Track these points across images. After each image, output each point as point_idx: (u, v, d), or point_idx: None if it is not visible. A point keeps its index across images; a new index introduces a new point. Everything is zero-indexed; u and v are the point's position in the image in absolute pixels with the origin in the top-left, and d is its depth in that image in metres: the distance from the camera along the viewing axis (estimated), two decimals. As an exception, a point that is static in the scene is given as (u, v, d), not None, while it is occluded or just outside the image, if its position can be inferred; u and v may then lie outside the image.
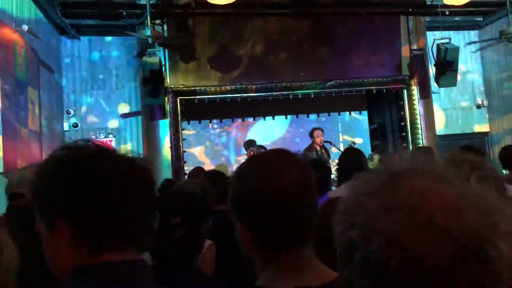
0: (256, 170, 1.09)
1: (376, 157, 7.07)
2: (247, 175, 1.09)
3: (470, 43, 8.10)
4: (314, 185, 1.10)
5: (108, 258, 0.88)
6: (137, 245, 0.94)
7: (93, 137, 7.60)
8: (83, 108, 7.66)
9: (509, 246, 0.53)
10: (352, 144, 7.74)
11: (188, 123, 8.92)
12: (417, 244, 0.52)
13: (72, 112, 7.58)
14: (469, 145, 3.65)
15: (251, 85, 7.67)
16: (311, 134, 7.56)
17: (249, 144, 8.05)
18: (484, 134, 8.82)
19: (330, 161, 6.93)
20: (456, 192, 0.56)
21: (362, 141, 9.67)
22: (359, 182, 0.61)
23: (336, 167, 4.46)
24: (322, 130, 7.53)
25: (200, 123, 9.48)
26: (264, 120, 9.70)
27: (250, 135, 9.51)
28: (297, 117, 9.79)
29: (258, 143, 7.97)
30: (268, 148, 8.33)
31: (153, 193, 0.98)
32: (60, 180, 0.89)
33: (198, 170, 4.63)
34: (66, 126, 7.54)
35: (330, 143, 7.63)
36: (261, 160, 1.15)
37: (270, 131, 9.81)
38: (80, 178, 0.89)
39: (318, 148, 7.42)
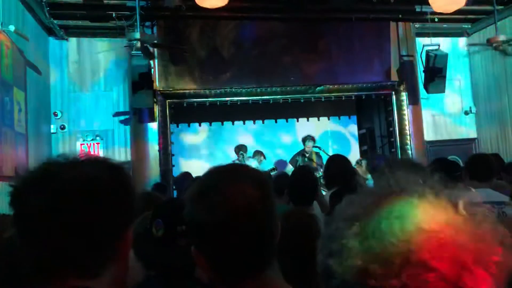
0: (212, 189, 1.00)
1: (364, 162, 7.10)
2: (201, 195, 1.00)
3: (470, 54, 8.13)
4: (272, 203, 1.02)
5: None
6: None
7: (81, 139, 7.52)
8: (71, 110, 7.56)
9: (490, 274, 0.51)
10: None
11: (177, 126, 8.87)
12: (390, 276, 0.51)
13: (59, 114, 7.48)
14: (442, 158, 3.77)
15: (241, 89, 7.65)
16: (303, 141, 7.70)
17: (239, 148, 8.04)
18: (472, 140, 8.89)
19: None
20: (440, 218, 0.54)
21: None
22: (343, 205, 0.60)
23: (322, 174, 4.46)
24: (314, 140, 7.66)
25: (189, 126, 9.44)
26: (254, 124, 9.70)
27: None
28: (286, 121, 9.80)
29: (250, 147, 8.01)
30: (263, 152, 8.36)
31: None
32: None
33: (185, 175, 4.60)
34: (53, 128, 7.44)
35: (319, 148, 7.66)
36: (216, 178, 1.05)
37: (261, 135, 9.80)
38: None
39: (307, 154, 7.52)
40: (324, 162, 7.24)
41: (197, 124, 9.52)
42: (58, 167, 0.91)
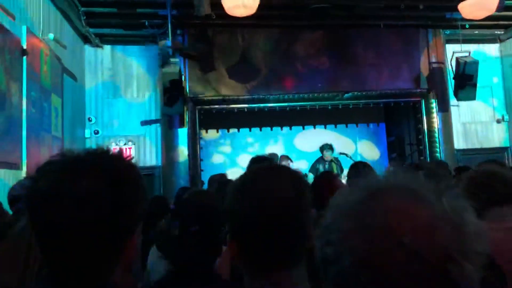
0: (253, 184, 1.08)
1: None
2: (242, 189, 1.08)
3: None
4: (307, 202, 1.08)
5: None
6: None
7: (113, 144, 7.76)
8: (104, 116, 7.83)
9: (475, 265, 0.56)
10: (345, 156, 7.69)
11: (206, 132, 9.03)
12: (385, 263, 0.55)
13: (93, 119, 7.76)
14: (491, 160, 3.51)
15: (268, 96, 7.74)
16: (321, 150, 7.67)
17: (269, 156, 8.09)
18: (504, 149, 8.70)
19: (343, 174, 6.93)
20: (429, 212, 0.59)
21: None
22: (338, 199, 0.65)
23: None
24: (332, 149, 7.58)
25: (217, 132, 9.59)
26: (282, 130, 9.77)
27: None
28: (314, 127, 9.82)
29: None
30: (292, 158, 8.39)
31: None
32: None
33: (220, 176, 4.69)
34: (87, 133, 7.72)
35: (346, 155, 7.64)
36: (254, 177, 1.12)
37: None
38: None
39: (326, 162, 7.49)
40: (345, 168, 7.23)
41: (225, 130, 9.66)
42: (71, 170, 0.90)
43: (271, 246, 1.01)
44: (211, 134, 9.51)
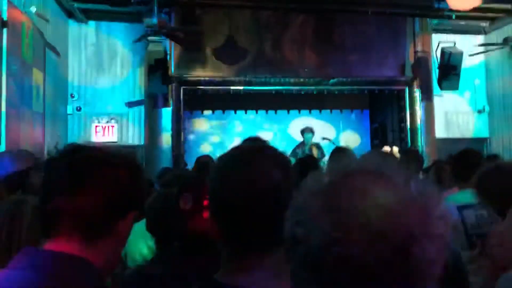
0: (237, 165, 1.05)
1: (396, 148, 7.14)
2: (226, 169, 1.05)
3: (475, 54, 8.06)
4: (292, 186, 1.04)
5: (49, 245, 0.97)
6: (85, 235, 0.99)
7: (96, 121, 7.68)
8: (87, 92, 7.72)
9: (437, 247, 0.59)
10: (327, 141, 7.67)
11: (190, 113, 8.99)
12: (350, 243, 0.57)
13: (76, 95, 7.65)
14: (470, 149, 3.54)
15: (255, 78, 7.72)
16: (301, 133, 7.61)
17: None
18: (483, 139, 8.86)
19: (324, 159, 6.97)
20: (395, 194, 0.61)
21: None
22: (310, 181, 0.66)
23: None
24: (312, 132, 7.52)
25: (202, 113, 9.55)
26: (267, 113, 9.77)
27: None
28: (299, 112, 9.84)
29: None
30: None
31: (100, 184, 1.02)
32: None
33: (208, 157, 4.69)
34: (69, 109, 7.61)
35: (329, 140, 7.68)
36: (243, 155, 1.09)
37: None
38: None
39: (306, 147, 7.49)
40: (327, 154, 7.24)
41: (210, 111, 9.62)
42: (82, 147, 1.06)
43: (251, 229, 1.00)
44: (195, 115, 9.46)
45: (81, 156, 1.01)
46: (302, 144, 7.59)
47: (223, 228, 1.02)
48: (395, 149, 6.97)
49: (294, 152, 7.62)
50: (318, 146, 7.48)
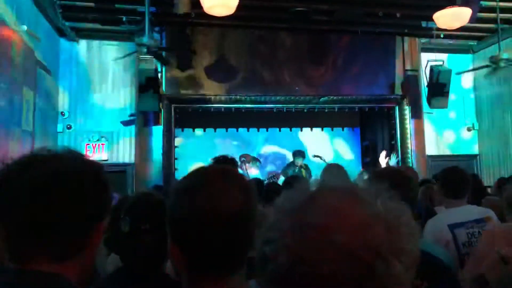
0: (199, 188, 1.03)
1: (366, 174, 7.14)
2: (187, 192, 1.03)
3: (461, 72, 8.20)
4: (254, 209, 1.04)
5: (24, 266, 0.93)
6: (58, 254, 0.95)
7: (86, 139, 7.64)
8: (78, 111, 7.70)
9: (406, 265, 0.59)
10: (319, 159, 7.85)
11: (182, 131, 8.97)
12: (317, 260, 0.57)
13: (66, 114, 7.62)
14: (456, 167, 3.58)
15: (246, 97, 7.75)
16: (293, 156, 7.90)
17: (243, 157, 8.13)
18: (473, 156, 8.93)
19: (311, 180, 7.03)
20: (363, 212, 0.61)
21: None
22: (281, 199, 0.67)
23: None
24: (303, 156, 7.84)
25: (193, 131, 9.53)
26: (258, 131, 9.79)
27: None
28: (290, 130, 9.87)
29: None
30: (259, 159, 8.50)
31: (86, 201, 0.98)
32: None
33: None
34: (59, 128, 7.57)
35: (320, 157, 7.72)
36: (204, 178, 1.07)
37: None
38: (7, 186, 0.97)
39: (296, 167, 7.70)
40: (313, 175, 7.43)
41: (201, 129, 9.61)
42: (40, 158, 1.00)
43: (211, 253, 0.98)
44: (186, 133, 9.43)
45: (41, 172, 0.95)
46: (292, 164, 7.80)
47: (183, 251, 1.00)
48: (393, 160, 6.98)
49: (284, 171, 7.77)
50: (306, 167, 7.72)
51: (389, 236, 0.59)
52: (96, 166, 1.04)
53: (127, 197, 2.21)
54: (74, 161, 1.00)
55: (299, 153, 7.89)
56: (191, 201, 1.00)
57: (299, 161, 7.78)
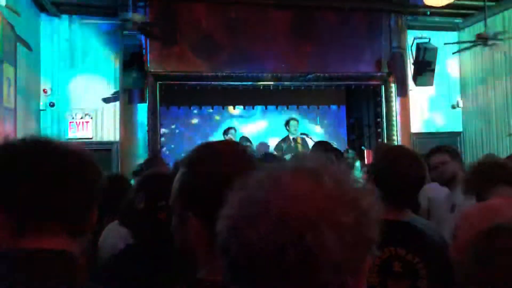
0: (213, 156, 1.06)
1: (352, 151, 7.15)
2: (203, 160, 1.06)
3: (450, 49, 8.22)
4: None
5: (29, 244, 0.94)
6: (69, 231, 0.98)
7: (70, 117, 7.53)
8: (61, 88, 7.56)
9: (342, 237, 0.58)
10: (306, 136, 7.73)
11: (167, 109, 8.89)
12: (251, 230, 0.59)
13: (49, 91, 7.48)
14: (442, 146, 3.62)
15: (232, 73, 7.68)
16: (286, 124, 7.64)
17: (226, 131, 8.10)
18: (457, 134, 9.04)
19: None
20: (305, 184, 0.62)
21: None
22: (247, 178, 0.67)
23: None
24: (297, 121, 7.61)
25: (179, 108, 9.46)
26: (244, 109, 9.75)
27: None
28: (276, 108, 9.85)
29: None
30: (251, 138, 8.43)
31: (82, 180, 1.02)
32: None
33: (154, 156, 4.68)
34: (42, 105, 7.44)
35: (306, 135, 7.73)
36: (215, 148, 1.12)
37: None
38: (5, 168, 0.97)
39: (292, 140, 7.52)
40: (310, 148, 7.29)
41: (187, 107, 9.54)
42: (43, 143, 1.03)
43: None
44: (172, 111, 9.35)
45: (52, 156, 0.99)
46: (287, 138, 7.61)
47: (206, 218, 0.97)
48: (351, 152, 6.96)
49: (278, 145, 7.63)
50: (303, 141, 7.50)
51: (325, 207, 0.59)
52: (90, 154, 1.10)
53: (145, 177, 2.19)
54: (79, 150, 1.06)
55: (293, 118, 7.60)
56: (213, 167, 1.03)
57: (295, 124, 7.44)
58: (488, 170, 2.38)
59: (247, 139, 7.93)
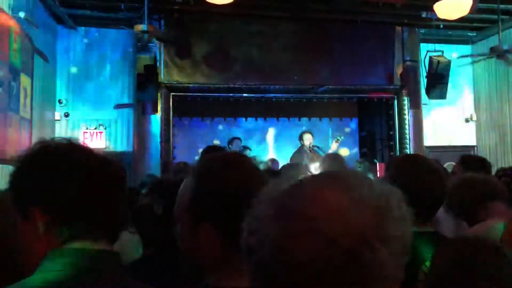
0: (229, 166, 1.06)
1: (362, 164, 7.09)
2: (216, 171, 1.05)
3: (462, 63, 8.18)
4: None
5: (80, 245, 0.96)
6: (109, 236, 1.02)
7: (84, 127, 7.62)
8: (76, 98, 7.66)
9: (391, 250, 0.57)
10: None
11: (180, 120, 8.95)
12: (299, 249, 0.56)
13: (64, 101, 7.59)
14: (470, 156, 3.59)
15: (244, 86, 7.72)
16: (300, 138, 7.56)
17: (231, 141, 8.07)
18: (471, 147, 8.95)
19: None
20: (347, 197, 0.59)
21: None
22: (268, 189, 0.65)
23: None
24: (312, 134, 7.53)
25: (191, 119, 9.51)
26: (256, 121, 9.77)
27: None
28: (288, 120, 9.85)
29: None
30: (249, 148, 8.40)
31: (122, 187, 1.06)
32: (36, 171, 0.97)
33: (184, 164, 4.66)
34: (57, 116, 7.55)
35: (318, 147, 7.68)
36: (226, 159, 1.12)
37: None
38: (54, 169, 0.97)
39: (308, 151, 7.41)
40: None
41: (200, 118, 9.59)
42: (61, 147, 1.04)
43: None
44: (184, 122, 9.41)
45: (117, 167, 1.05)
46: (301, 149, 7.49)
47: (220, 228, 0.98)
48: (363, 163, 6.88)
49: (294, 156, 7.52)
50: (315, 152, 7.36)
51: (376, 221, 0.57)
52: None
53: (160, 181, 2.18)
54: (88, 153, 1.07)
55: (308, 132, 7.44)
56: (227, 178, 1.04)
57: (309, 138, 7.33)
58: (476, 186, 2.28)
59: (246, 147, 7.91)
